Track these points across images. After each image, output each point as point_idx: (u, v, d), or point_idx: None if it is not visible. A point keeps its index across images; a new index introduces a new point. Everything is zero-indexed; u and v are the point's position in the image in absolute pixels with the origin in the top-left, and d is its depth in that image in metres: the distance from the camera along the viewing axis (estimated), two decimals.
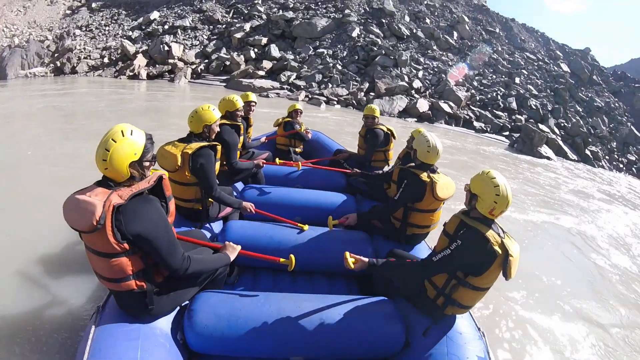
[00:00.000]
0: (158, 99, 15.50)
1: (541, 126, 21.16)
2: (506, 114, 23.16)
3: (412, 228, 3.00)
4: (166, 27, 26.52)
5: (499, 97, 24.33)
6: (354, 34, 24.94)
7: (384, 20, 27.26)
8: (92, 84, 19.18)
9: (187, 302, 2.06)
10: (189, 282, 1.99)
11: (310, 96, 19.46)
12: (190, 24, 26.62)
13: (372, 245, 2.96)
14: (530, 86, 27.26)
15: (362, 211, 3.21)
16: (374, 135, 4.45)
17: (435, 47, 27.29)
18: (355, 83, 21.56)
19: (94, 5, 31.78)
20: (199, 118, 2.80)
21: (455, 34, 29.91)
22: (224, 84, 20.88)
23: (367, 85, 21.60)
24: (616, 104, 31.30)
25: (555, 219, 7.42)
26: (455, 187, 3.00)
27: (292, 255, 2.41)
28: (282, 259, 2.40)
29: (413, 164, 3.07)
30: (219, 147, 2.88)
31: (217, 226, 3.05)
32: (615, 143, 25.12)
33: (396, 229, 3.06)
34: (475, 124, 21.17)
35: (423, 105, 20.63)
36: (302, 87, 20.50)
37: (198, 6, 28.70)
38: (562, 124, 23.65)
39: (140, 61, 23.23)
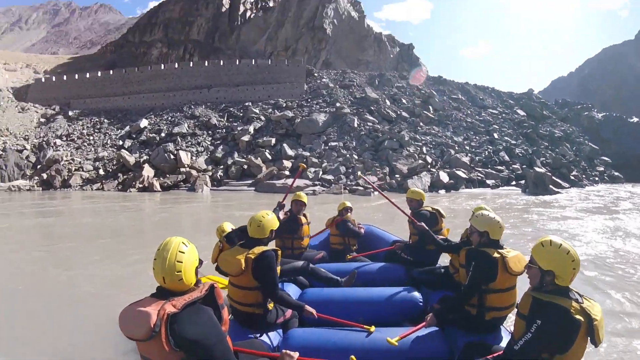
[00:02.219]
0: (192, 210, 14.96)
1: (536, 169, 23.39)
2: (504, 167, 25.70)
3: (491, 312, 2.76)
4: (162, 135, 26.12)
5: (492, 154, 27.05)
6: (355, 124, 26.50)
7: (372, 108, 29.53)
8: (98, 199, 17.63)
9: None
10: None
11: (348, 188, 19.77)
12: (187, 130, 26.54)
13: (446, 341, 2.75)
14: (507, 137, 30.68)
15: (436, 309, 2.95)
16: (421, 217, 4.31)
17: (421, 124, 29.77)
18: (378, 169, 22.45)
19: (70, 113, 30.83)
20: (268, 224, 2.90)
21: (430, 107, 33.04)
22: (253, 189, 20.58)
23: (387, 169, 22.60)
24: (570, 129, 35.85)
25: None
26: (526, 260, 2.78)
27: (353, 357, 2.29)
28: None
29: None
30: (280, 252, 2.92)
31: (275, 335, 2.95)
32: (582, 162, 28.56)
33: (473, 317, 2.82)
34: (488, 182, 23.21)
35: (444, 177, 22.12)
36: (332, 180, 20.86)
37: (189, 112, 28.97)
38: (544, 162, 26.45)
39: (147, 172, 22.32)
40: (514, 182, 23.90)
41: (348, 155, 23.48)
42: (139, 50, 52.31)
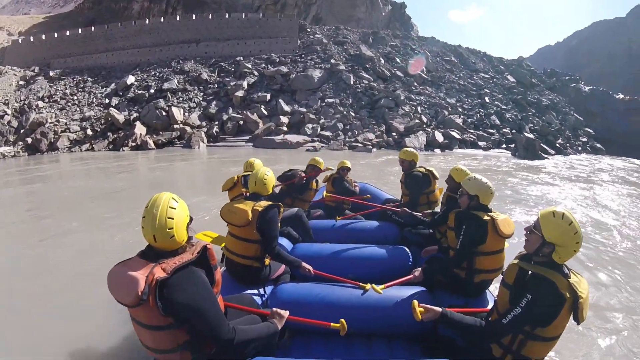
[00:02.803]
0: (189, 168, 14.74)
1: (526, 134, 23.91)
2: (495, 130, 26.12)
3: (480, 274, 2.78)
4: (152, 91, 25.23)
5: (484, 117, 27.40)
6: (351, 82, 26.18)
7: (367, 66, 29.10)
8: (88, 160, 16.81)
9: None
10: (237, 353, 1.96)
11: (347, 145, 19.79)
12: (177, 86, 25.68)
13: (432, 299, 2.75)
14: (497, 102, 31.02)
15: (426, 267, 2.96)
16: (414, 179, 4.31)
17: (415, 84, 29.64)
18: (375, 127, 22.46)
19: (51, 74, 29.29)
20: (271, 181, 3.00)
21: (424, 68, 32.81)
22: (251, 144, 20.41)
23: (384, 127, 22.65)
24: (557, 98, 36.57)
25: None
26: (513, 223, 2.84)
27: (343, 320, 2.27)
28: (332, 324, 2.25)
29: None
30: (282, 209, 2.97)
31: (266, 290, 2.96)
32: (567, 131, 29.40)
33: (462, 279, 2.84)
34: (480, 143, 23.65)
35: (439, 136, 22.39)
36: (330, 137, 20.82)
37: (178, 68, 27.94)
38: (532, 128, 27.05)
39: (140, 130, 21.71)
40: (504, 146, 24.36)
41: (345, 112, 23.34)
42: (119, 5, 49.39)
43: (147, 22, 33.64)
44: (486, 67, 39.72)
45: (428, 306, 2.04)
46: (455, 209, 3.07)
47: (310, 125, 21.84)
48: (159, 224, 1.62)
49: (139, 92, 25.38)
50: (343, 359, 2.22)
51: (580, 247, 1.84)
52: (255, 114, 22.56)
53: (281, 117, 22.40)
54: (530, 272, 1.87)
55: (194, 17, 32.80)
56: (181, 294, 1.57)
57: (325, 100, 24.44)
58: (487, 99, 30.99)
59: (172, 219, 1.64)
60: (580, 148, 27.34)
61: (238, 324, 1.90)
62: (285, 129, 21.58)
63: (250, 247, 2.80)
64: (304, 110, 23.18)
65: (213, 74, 27.45)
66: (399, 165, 4.51)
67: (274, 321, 2.09)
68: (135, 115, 23.30)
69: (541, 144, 22.89)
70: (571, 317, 1.80)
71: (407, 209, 4.02)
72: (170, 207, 1.66)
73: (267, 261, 2.94)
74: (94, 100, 25.98)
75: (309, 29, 34.63)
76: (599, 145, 29.02)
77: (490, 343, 2.05)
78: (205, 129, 22.28)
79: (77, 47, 33.95)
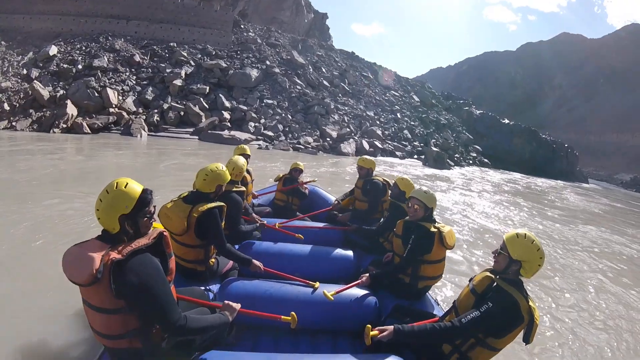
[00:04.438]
0: (132, 159, 13.86)
1: (433, 148, 28.93)
2: (407, 142, 30.82)
3: (423, 281, 3.04)
4: (79, 67, 23.83)
5: (397, 131, 32.05)
6: (286, 85, 28.21)
7: (299, 72, 31.38)
8: (12, 142, 14.71)
9: None
10: (186, 342, 2.02)
11: (291, 146, 21.88)
12: (107, 64, 24.61)
13: (377, 300, 2.93)
14: (406, 118, 36.07)
15: (374, 273, 3.10)
16: (375, 186, 4.44)
17: (340, 95, 32.92)
18: (310, 131, 24.92)
19: None
20: (215, 177, 2.86)
21: (346, 80, 36.38)
22: (197, 137, 21.11)
23: (318, 132, 25.24)
24: (452, 119, 43.52)
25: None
26: (455, 235, 3.14)
27: (293, 313, 2.38)
28: (283, 317, 2.36)
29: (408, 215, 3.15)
30: (225, 208, 2.91)
31: (215, 286, 3.00)
32: (460, 147, 35.67)
33: (406, 284, 3.05)
34: (397, 153, 27.94)
35: (366, 145, 25.98)
36: (272, 137, 22.66)
37: (107, 45, 26.58)
38: (435, 143, 32.51)
39: (71, 110, 20.58)
40: (415, 156, 28.94)
41: (284, 115, 25.29)
42: None
43: None
44: (396, 86, 45.16)
45: (381, 328, 2.13)
46: (403, 218, 3.26)
47: (252, 124, 23.34)
48: (96, 202, 1.69)
49: (65, 66, 23.69)
50: (289, 353, 2.27)
51: (544, 262, 2.07)
52: (197, 105, 23.10)
53: (223, 112, 23.37)
54: (496, 285, 2.06)
55: None
56: (134, 276, 1.61)
57: (265, 101, 26.05)
58: (399, 115, 35.84)
59: (101, 201, 1.68)
60: (471, 162, 33.30)
61: (189, 314, 1.92)
62: (229, 124, 22.67)
63: (191, 252, 2.83)
64: (245, 108, 24.49)
65: (145, 57, 26.82)
66: (357, 171, 4.71)
67: (225, 313, 2.12)
68: (62, 92, 21.81)
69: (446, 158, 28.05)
70: (521, 336, 2.02)
71: (354, 226, 4.22)
72: (105, 191, 1.69)
73: (211, 261, 2.99)
74: (10, 69, 23.40)
75: (242, 25, 35.58)
76: (485, 160, 35.80)
77: (448, 342, 2.19)
78: (144, 117, 22.06)
79: None
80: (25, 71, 23.31)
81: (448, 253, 3.14)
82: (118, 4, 30.69)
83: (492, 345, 2.07)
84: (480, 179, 22.30)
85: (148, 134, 20.88)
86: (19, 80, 22.70)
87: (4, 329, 3.13)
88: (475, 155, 35.75)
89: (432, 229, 2.92)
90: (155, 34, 29.92)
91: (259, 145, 21.17)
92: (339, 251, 3.77)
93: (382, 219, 4.14)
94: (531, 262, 2.05)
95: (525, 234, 2.10)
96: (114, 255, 1.58)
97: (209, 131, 21.33)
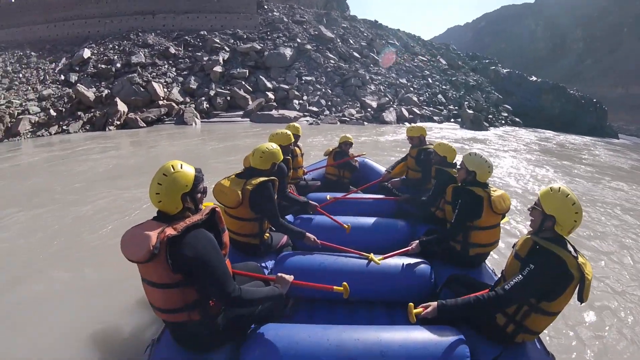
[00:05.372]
0: (194, 145, 14.71)
1: (468, 110, 28.65)
2: (442, 107, 30.72)
3: (475, 248, 2.98)
4: (118, 65, 24.38)
5: (432, 96, 31.93)
6: (321, 61, 28.27)
7: (329, 46, 31.29)
8: (69, 145, 14.97)
9: (242, 336, 2.11)
10: (244, 314, 2.09)
11: (338, 119, 22.11)
12: (145, 60, 25.09)
13: (432, 270, 2.93)
14: (437, 83, 35.70)
15: (423, 240, 3.09)
16: (429, 155, 4.31)
17: (371, 65, 32.73)
18: (351, 103, 25.02)
19: None
20: (270, 156, 3.00)
21: (375, 50, 36.07)
22: (248, 119, 21.51)
23: (358, 104, 25.31)
24: (480, 79, 42.78)
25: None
26: (510, 199, 3.04)
27: (345, 283, 2.37)
28: (336, 287, 2.37)
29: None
30: (276, 182, 3.01)
31: (270, 260, 3.09)
32: (491, 108, 35.16)
33: (457, 252, 3.03)
34: (435, 118, 27.84)
35: (405, 112, 25.87)
36: (317, 112, 22.91)
37: (139, 41, 27.06)
38: (469, 105, 32.15)
39: (122, 107, 21.19)
40: (452, 120, 28.87)
41: (324, 90, 25.47)
42: None
43: None
44: (422, 51, 44.50)
45: (424, 305, 2.14)
46: (448, 182, 3.32)
47: (296, 101, 23.61)
48: (151, 187, 1.78)
49: (102, 66, 24.27)
50: (344, 325, 2.26)
51: (581, 218, 2.00)
52: (241, 89, 23.45)
53: (267, 93, 23.67)
54: (539, 246, 2.01)
55: None
56: (191, 250, 1.69)
57: (303, 78, 26.23)
58: (430, 80, 35.52)
59: (161, 184, 1.77)
60: (503, 122, 32.92)
61: (243, 287, 1.96)
62: (275, 104, 22.97)
63: (246, 226, 2.92)
64: (287, 87, 24.72)
65: (180, 48, 27.21)
66: (408, 141, 4.75)
67: (279, 285, 2.17)
68: (106, 92, 22.44)
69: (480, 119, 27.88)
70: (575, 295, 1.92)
71: (406, 195, 4.25)
72: (163, 174, 1.79)
73: (266, 235, 3.07)
74: (46, 77, 24.09)
75: (266, 6, 35.57)
76: (517, 119, 35.32)
77: (495, 313, 2.14)
78: (192, 105, 22.55)
79: (9, 19, 30.62)
80: (63, 77, 23.95)
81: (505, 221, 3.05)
82: (140, 0, 31.08)
83: (547, 310, 2.01)
84: (516, 140, 22.12)
85: (201, 121, 21.42)
86: (59, 86, 23.33)
87: (73, 316, 3.38)
88: (506, 114, 35.21)
89: (480, 193, 2.86)
90: (183, 24, 30.24)
91: (307, 121, 21.49)
92: (393, 222, 3.78)
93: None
94: (565, 217, 1.99)
95: (560, 187, 2.05)
96: (170, 231, 1.68)
97: (258, 112, 21.73)
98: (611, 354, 3.31)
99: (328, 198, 4.29)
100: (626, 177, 13.10)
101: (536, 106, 38.81)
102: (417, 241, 3.07)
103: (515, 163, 13.33)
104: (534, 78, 43.08)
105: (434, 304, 2.13)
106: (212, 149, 13.47)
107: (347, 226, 3.49)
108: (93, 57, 25.61)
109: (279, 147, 3.11)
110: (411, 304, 2.15)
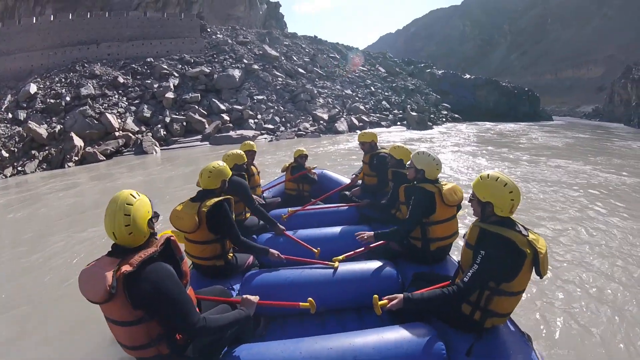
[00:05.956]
0: (155, 174, 14.70)
1: (412, 113, 31.38)
2: (387, 112, 33.29)
3: (435, 243, 3.05)
4: (67, 99, 24.47)
5: (376, 103, 34.44)
6: (270, 79, 29.82)
7: (275, 64, 32.90)
8: (27, 187, 14.50)
9: None
10: (211, 344, 2.08)
11: (294, 133, 23.75)
12: (94, 91, 25.34)
13: (397, 271, 2.98)
14: (380, 90, 38.36)
15: (378, 232, 3.19)
16: (381, 159, 4.48)
17: (316, 79, 34.70)
18: (303, 117, 26.75)
19: None
20: (218, 174, 3.07)
21: (318, 64, 38.13)
22: (207, 143, 22.50)
23: (310, 118, 27.08)
24: (418, 83, 46.09)
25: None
26: (462, 190, 3.12)
27: (311, 299, 2.39)
28: (302, 304, 2.39)
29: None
30: (232, 200, 3.04)
31: (237, 281, 3.07)
32: (431, 108, 38.19)
33: (419, 249, 3.11)
34: (382, 123, 30.39)
35: (355, 121, 28.01)
36: (273, 129, 24.41)
37: (86, 72, 27.18)
38: (411, 108, 34.95)
39: (78, 142, 21.42)
40: (398, 123, 31.54)
41: (276, 107, 26.97)
42: None
43: (35, 20, 30.82)
44: (363, 62, 47.22)
45: (390, 297, 2.19)
46: (404, 184, 3.39)
47: (251, 121, 24.91)
48: (116, 221, 1.74)
49: (51, 101, 24.27)
50: (316, 336, 2.27)
51: (519, 195, 2.10)
52: (196, 113, 24.37)
53: (222, 115, 24.77)
54: (486, 231, 2.10)
55: (88, 16, 31.41)
56: (149, 285, 1.68)
57: (255, 98, 27.56)
58: (372, 88, 38.06)
59: (129, 215, 1.75)
60: (444, 119, 36.28)
61: (210, 314, 2.04)
62: (231, 125, 24.14)
63: (207, 248, 2.91)
64: (240, 107, 25.95)
65: (128, 77, 27.61)
66: (360, 148, 4.91)
67: (244, 308, 2.16)
68: (59, 127, 22.48)
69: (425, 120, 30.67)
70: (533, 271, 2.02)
71: (366, 201, 4.39)
72: (127, 204, 1.77)
73: (230, 255, 3.06)
74: None
75: (209, 29, 36.47)
76: (456, 115, 38.64)
77: (458, 305, 2.23)
78: (149, 133, 23.15)
79: None
80: (10, 115, 23.60)
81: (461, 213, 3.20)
82: (83, 29, 31.00)
83: (508, 291, 2.06)
84: (458, 134, 24.90)
85: (161, 149, 21.99)
86: (8, 125, 22.98)
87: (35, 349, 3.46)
88: (446, 112, 38.58)
89: (431, 189, 2.97)
90: (129, 52, 30.55)
91: (265, 138, 22.92)
92: (355, 229, 3.80)
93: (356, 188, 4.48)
94: (501, 199, 2.07)
95: (488, 174, 2.16)
96: (125, 267, 1.65)
97: (216, 135, 22.81)
98: (582, 324, 3.50)
99: (288, 211, 4.39)
100: (562, 154, 14.97)
101: (472, 102, 42.73)
102: (372, 232, 3.23)
103: (460, 156, 14.95)
104: (467, 76, 47.23)
105: (400, 296, 2.18)
106: (175, 175, 13.72)
107: (316, 250, 3.46)
108: (40, 91, 25.43)
109: (225, 164, 3.18)
110: (375, 295, 2.22)
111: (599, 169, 11.41)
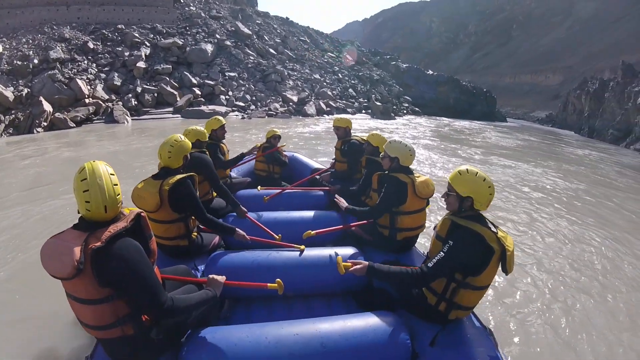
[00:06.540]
0: (129, 144, 14.46)
1: (376, 102, 33.40)
2: (353, 99, 35.05)
3: (402, 232, 3.11)
4: (35, 61, 24.28)
5: (343, 90, 36.12)
6: (242, 57, 30.61)
7: (247, 42, 33.67)
8: (4, 149, 13.45)
9: (179, 343, 2.07)
10: (178, 323, 2.04)
11: (266, 113, 24.97)
12: (63, 55, 25.24)
13: (364, 257, 2.97)
14: (346, 78, 40.04)
15: (350, 207, 3.29)
16: (353, 146, 4.51)
17: (287, 61, 35.80)
18: (273, 97, 27.97)
19: None
20: (179, 150, 2.89)
21: (289, 46, 39.18)
22: (179, 115, 23.28)
23: (280, 98, 28.34)
24: (383, 74, 48.09)
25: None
26: (434, 184, 3.16)
27: (279, 280, 2.35)
28: (269, 285, 2.36)
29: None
30: (196, 177, 2.95)
31: (202, 262, 3.01)
32: (393, 99, 40.39)
33: (386, 237, 3.17)
34: (348, 110, 32.13)
35: (323, 105, 29.53)
36: (244, 107, 25.47)
37: (55, 35, 26.83)
38: (375, 97, 36.89)
39: (47, 107, 21.46)
40: (363, 111, 33.39)
41: (247, 86, 27.96)
42: None
43: None
44: (330, 47, 48.57)
45: (354, 260, 2.24)
46: (378, 172, 3.44)
47: (222, 97, 25.83)
48: (108, 193, 1.68)
49: (18, 63, 23.95)
50: (282, 321, 2.26)
51: (494, 190, 2.18)
52: (168, 85, 24.93)
53: (194, 89, 25.49)
54: (457, 225, 2.17)
55: None
56: (118, 261, 1.61)
57: (226, 74, 28.36)
58: (340, 75, 39.65)
59: (117, 185, 1.72)
60: (405, 112, 38.54)
61: (176, 294, 1.95)
62: (202, 99, 24.96)
63: (171, 228, 2.87)
64: (212, 83, 26.73)
65: (98, 43, 27.51)
66: (334, 132, 4.88)
67: (211, 288, 2.15)
68: (26, 90, 22.32)
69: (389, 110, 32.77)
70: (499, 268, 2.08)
71: (337, 186, 4.30)
72: (111, 174, 1.72)
73: (194, 234, 3.05)
74: None
75: (182, 0, 36.31)
76: (417, 108, 41.08)
77: (419, 288, 2.34)
78: (120, 103, 23.52)
79: None
80: None
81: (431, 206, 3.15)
82: None
83: (474, 285, 2.14)
84: (416, 126, 26.88)
85: (132, 119, 22.39)
86: None
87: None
88: (407, 105, 40.93)
89: (405, 179, 3.01)
90: (99, 17, 30.20)
91: (236, 115, 24.01)
92: (324, 213, 3.84)
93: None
94: (481, 194, 2.14)
95: (467, 169, 2.20)
96: (94, 242, 1.59)
97: (188, 108, 23.59)
98: (544, 321, 3.63)
99: (259, 189, 4.42)
100: (512, 155, 15.98)
101: (433, 97, 45.47)
102: (346, 205, 3.36)
103: (421, 150, 15.68)
104: (430, 72, 49.84)
105: (365, 262, 2.22)
106: (144, 147, 13.40)
107: (278, 236, 3.42)
108: (6, 52, 24.96)
109: (185, 138, 3.02)
110: (339, 256, 2.29)
111: (549, 173, 11.98)
